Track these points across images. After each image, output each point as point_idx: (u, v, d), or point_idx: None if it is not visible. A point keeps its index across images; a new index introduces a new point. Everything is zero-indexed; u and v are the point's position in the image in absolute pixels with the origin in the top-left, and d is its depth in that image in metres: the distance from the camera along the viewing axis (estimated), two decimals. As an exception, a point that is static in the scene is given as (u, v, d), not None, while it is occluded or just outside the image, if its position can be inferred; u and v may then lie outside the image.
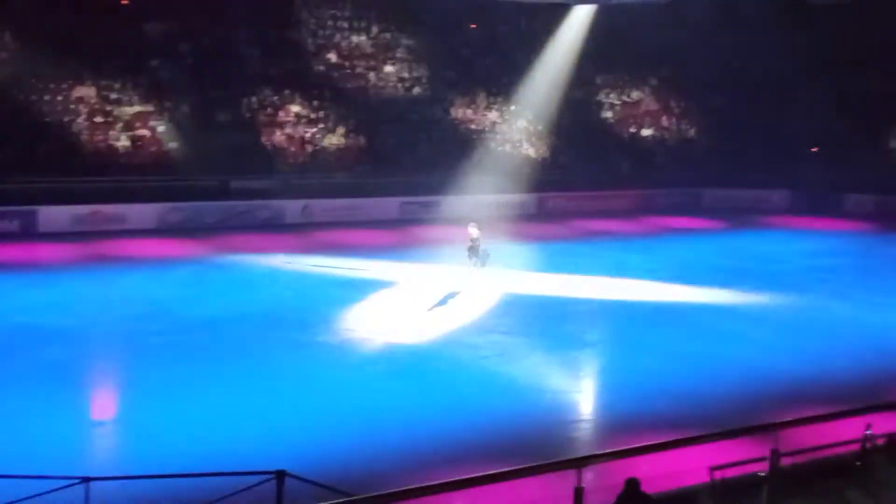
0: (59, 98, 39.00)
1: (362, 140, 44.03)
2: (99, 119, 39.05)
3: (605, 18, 50.16)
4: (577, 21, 50.29)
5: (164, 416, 17.26)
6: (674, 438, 10.03)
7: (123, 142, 38.87)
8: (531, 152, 47.95)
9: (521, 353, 22.47)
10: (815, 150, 50.18)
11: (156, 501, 12.19)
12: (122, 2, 43.18)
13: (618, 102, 53.63)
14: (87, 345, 21.77)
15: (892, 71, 49.46)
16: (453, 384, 19.85)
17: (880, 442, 13.59)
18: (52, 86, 39.19)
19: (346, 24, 48.94)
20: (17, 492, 9.88)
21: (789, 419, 11.42)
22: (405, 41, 50.09)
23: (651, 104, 54.42)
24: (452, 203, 41.48)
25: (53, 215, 34.64)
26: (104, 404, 19.21)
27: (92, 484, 9.20)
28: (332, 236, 36.88)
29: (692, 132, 53.68)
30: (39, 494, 9.70)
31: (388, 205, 41.12)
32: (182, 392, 18.56)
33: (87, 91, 39.73)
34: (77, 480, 9.21)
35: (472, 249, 28.79)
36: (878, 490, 11.49)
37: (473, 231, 28.86)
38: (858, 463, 12.85)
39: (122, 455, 15.42)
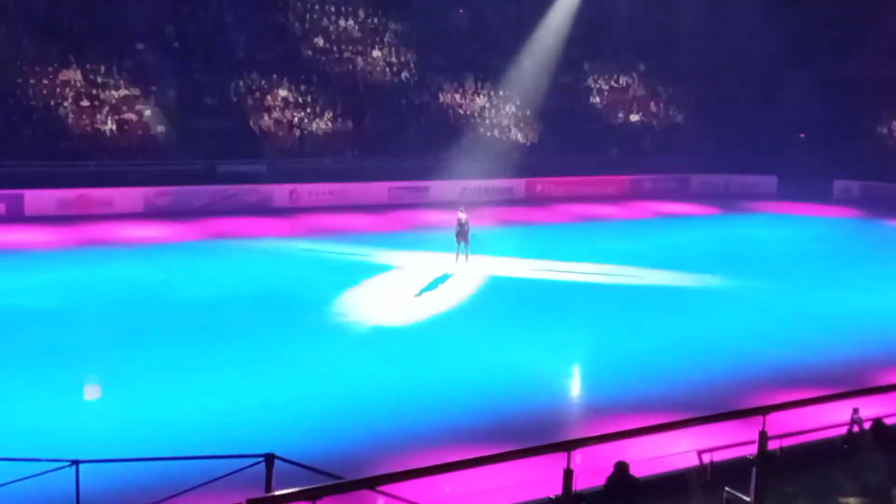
0: (45, 82, 38.76)
1: (350, 124, 43.92)
2: (85, 103, 38.84)
3: (593, 4, 50.13)
4: (565, 6, 50.24)
5: (152, 399, 17.24)
6: (663, 422, 10.05)
7: (110, 126, 38.67)
8: (519, 137, 47.92)
9: (510, 338, 22.50)
10: (802, 135, 50.30)
11: (145, 484, 12.18)
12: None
13: (606, 88, 53.60)
14: (75, 328, 21.69)
15: (879, 56, 49.57)
16: (443, 368, 19.88)
17: (867, 426, 13.67)
18: (37, 70, 38.95)
19: (333, 9, 48.73)
20: (6, 475, 9.86)
21: (778, 403, 11.45)
22: (393, 26, 49.94)
23: (639, 90, 54.42)
24: (441, 188, 41.49)
25: (40, 199, 34.47)
26: (93, 387, 19.18)
27: (81, 466, 9.17)
28: (320, 220, 36.81)
29: (680, 118, 53.71)
30: (29, 477, 9.69)
31: (377, 189, 41.06)
32: (171, 375, 18.54)
33: (72, 75, 39.49)
34: (66, 463, 9.18)
35: (461, 234, 28.83)
36: (865, 473, 11.55)
37: (462, 216, 28.91)
38: (846, 446, 12.92)
39: (111, 438, 15.38)
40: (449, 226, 29.96)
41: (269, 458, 8.49)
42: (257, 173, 39.64)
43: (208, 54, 43.00)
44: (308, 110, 43.40)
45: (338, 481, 8.08)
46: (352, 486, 8.37)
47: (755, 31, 50.45)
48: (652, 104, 53.80)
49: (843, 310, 26.52)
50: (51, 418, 16.12)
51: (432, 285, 26.95)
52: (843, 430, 13.78)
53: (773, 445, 11.47)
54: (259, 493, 7.45)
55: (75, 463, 9.13)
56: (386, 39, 49.14)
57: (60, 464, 9.29)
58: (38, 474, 9.57)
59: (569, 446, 8.45)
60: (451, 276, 28.03)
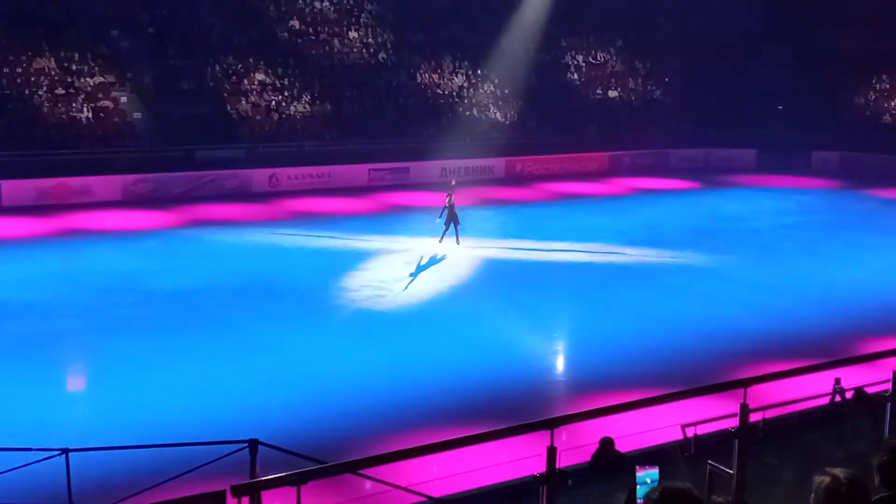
0: (19, 70, 38.41)
1: (328, 107, 43.75)
2: (60, 91, 38.52)
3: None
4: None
5: (137, 387, 17.23)
6: (646, 397, 10.10)
7: (86, 113, 38.39)
8: (498, 116, 47.85)
9: (493, 317, 22.56)
10: (780, 108, 50.42)
11: (132, 471, 12.18)
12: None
13: (584, 64, 53.54)
14: (57, 319, 21.60)
15: (855, 27, 49.68)
16: (427, 350, 19.92)
17: (849, 395, 13.78)
18: (10, 58, 38.59)
19: (308, -10, 48.48)
20: (-3, 464, 9.88)
21: (759, 375, 11.53)
22: (368, 6, 49.70)
23: (617, 65, 54.38)
24: (421, 168, 41.42)
25: (17, 189, 34.18)
26: (78, 378, 19.14)
27: (71, 455, 9.21)
28: (300, 204, 36.65)
29: (658, 93, 53.73)
30: (20, 467, 9.71)
31: (357, 171, 40.89)
32: (154, 363, 18.51)
33: (46, 63, 39.15)
34: (56, 452, 9.22)
35: (449, 216, 28.72)
36: (847, 442, 11.64)
37: (446, 197, 28.82)
38: (828, 416, 13.02)
39: (98, 427, 15.37)
40: (431, 207, 29.92)
41: (253, 444, 8.49)
42: (236, 158, 39.42)
43: (183, 39, 42.68)
44: (286, 93, 43.20)
45: (322, 465, 8.10)
46: (336, 471, 8.39)
47: (731, 3, 50.47)
48: (630, 80, 53.80)
49: (824, 281, 26.67)
50: (38, 410, 16.11)
51: (416, 267, 26.93)
52: (826, 400, 13.89)
53: (756, 417, 11.54)
54: (243, 479, 7.45)
55: (65, 452, 9.17)
56: (362, 20, 48.91)
57: (50, 453, 9.32)
58: (29, 464, 9.61)
59: (552, 424, 8.48)
60: (433, 257, 28.02)
